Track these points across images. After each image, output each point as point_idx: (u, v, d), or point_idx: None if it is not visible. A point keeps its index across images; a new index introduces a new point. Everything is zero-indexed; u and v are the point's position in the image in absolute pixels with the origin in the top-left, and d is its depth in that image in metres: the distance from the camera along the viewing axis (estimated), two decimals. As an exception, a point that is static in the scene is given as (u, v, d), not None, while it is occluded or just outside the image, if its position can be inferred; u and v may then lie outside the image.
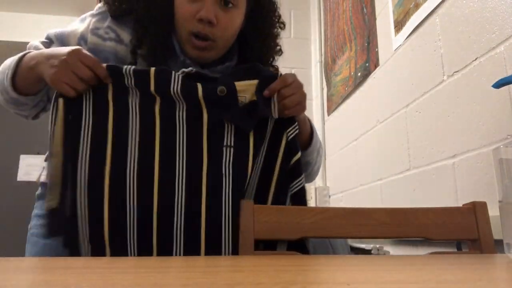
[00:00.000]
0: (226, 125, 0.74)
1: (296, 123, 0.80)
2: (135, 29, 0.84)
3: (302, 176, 0.80)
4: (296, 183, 0.79)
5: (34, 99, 0.82)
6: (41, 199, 0.91)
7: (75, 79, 0.70)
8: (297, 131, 0.80)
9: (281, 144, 0.79)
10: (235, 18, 0.83)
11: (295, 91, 0.78)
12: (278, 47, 0.95)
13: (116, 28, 0.85)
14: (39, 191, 0.92)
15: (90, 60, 0.72)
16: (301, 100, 0.79)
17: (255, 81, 0.76)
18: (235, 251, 0.72)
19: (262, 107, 0.75)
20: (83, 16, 0.89)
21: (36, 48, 0.85)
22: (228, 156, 0.73)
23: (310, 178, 0.95)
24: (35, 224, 0.88)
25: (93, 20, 0.86)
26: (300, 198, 0.80)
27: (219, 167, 0.72)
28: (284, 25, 0.95)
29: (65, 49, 0.73)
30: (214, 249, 0.71)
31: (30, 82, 0.78)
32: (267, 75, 0.78)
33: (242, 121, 0.75)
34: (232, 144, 0.74)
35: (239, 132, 0.75)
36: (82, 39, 0.84)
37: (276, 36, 0.94)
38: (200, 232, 0.70)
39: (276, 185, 0.78)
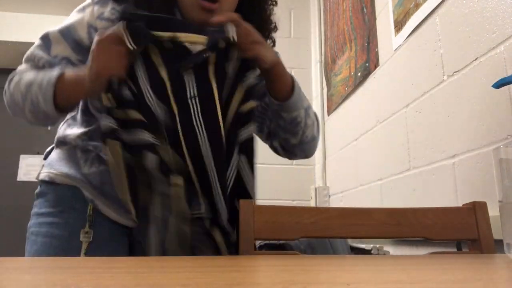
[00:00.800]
0: (184, 77, 0.76)
1: (257, 70, 0.81)
2: (136, 4, 0.85)
3: (250, 124, 0.80)
4: (244, 130, 0.79)
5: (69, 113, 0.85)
6: (40, 198, 0.90)
7: (119, 59, 0.73)
8: (256, 79, 0.81)
9: (237, 89, 0.79)
10: None
11: (251, 31, 0.79)
12: (273, 24, 0.97)
13: (119, 8, 0.86)
14: (38, 189, 0.92)
15: (115, 37, 0.74)
16: (259, 39, 0.79)
17: (204, 37, 0.77)
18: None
19: (214, 43, 0.76)
20: (80, 6, 0.88)
21: (37, 57, 0.85)
22: (195, 106, 0.75)
23: (303, 146, 0.93)
24: (34, 223, 0.88)
25: (95, 7, 0.86)
26: (247, 149, 0.80)
27: (190, 119, 0.74)
28: (276, 2, 0.98)
29: (93, 53, 0.74)
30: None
31: (72, 101, 0.81)
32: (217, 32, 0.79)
33: (192, 61, 0.75)
34: (196, 94, 0.75)
35: (199, 81, 0.76)
36: (91, 27, 0.84)
37: (270, 13, 0.96)
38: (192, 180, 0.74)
39: (229, 128, 0.78)
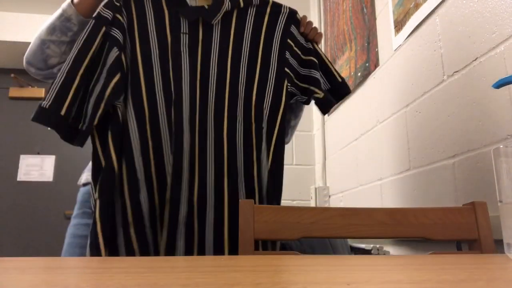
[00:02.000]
0: (181, 18, 0.96)
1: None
2: None
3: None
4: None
5: (83, 25, 0.93)
6: (82, 202, 0.95)
7: None
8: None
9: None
10: None
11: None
12: None
13: None
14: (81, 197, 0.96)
15: None
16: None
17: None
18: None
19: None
20: None
21: None
22: (184, 40, 0.94)
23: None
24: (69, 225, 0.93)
25: None
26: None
27: (178, 48, 0.94)
28: None
29: None
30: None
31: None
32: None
33: (188, 13, 0.96)
34: (187, 31, 0.95)
35: (191, 23, 0.96)
36: None
37: None
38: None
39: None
